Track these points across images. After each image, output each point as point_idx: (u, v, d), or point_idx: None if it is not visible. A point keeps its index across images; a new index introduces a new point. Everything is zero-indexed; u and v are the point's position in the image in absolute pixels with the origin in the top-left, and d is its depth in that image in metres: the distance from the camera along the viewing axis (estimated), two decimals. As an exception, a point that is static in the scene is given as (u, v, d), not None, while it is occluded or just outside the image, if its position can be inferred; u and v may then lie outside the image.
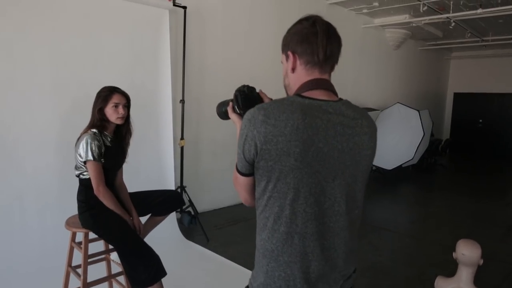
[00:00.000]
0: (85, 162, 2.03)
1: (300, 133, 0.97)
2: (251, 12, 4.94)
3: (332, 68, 1.11)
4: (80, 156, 2.03)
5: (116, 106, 2.11)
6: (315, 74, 1.07)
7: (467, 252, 2.25)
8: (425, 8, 5.91)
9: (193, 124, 4.37)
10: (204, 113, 4.47)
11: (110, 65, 3.38)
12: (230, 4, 4.66)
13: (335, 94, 1.09)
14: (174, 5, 3.80)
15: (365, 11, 6.55)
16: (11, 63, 2.84)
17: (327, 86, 1.08)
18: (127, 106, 2.19)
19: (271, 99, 1.22)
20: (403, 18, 6.75)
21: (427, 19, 6.57)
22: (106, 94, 2.12)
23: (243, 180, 1.10)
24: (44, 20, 2.98)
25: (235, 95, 1.23)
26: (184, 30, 4.02)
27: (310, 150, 0.98)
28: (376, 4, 6.14)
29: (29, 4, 2.89)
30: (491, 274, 3.15)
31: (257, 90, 1.26)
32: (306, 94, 1.05)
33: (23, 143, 2.90)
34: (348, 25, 6.64)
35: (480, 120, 10.54)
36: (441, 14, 6.21)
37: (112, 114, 2.11)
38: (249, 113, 1.03)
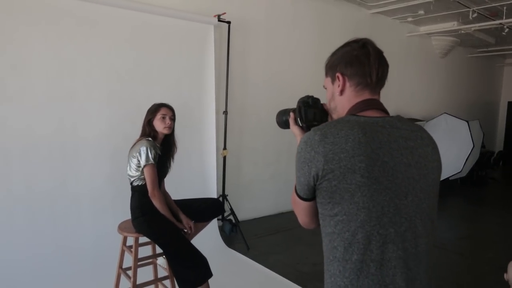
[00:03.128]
0: (143, 167, 2.18)
1: (363, 147, 0.91)
2: (293, 25, 5.01)
3: (380, 89, 1.08)
4: (138, 161, 2.19)
5: (163, 117, 2.29)
6: (366, 95, 1.04)
7: (519, 274, 2.13)
8: (475, 14, 5.67)
9: (235, 134, 4.49)
10: (246, 124, 4.59)
11: (159, 79, 3.59)
12: (272, 18, 4.77)
13: (387, 113, 1.06)
14: (219, 20, 3.96)
15: (410, 19, 6.39)
16: (72, 78, 3.12)
17: (379, 106, 1.04)
18: (173, 119, 2.36)
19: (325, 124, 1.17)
20: (451, 25, 6.50)
21: (477, 26, 6.29)
22: (155, 107, 2.34)
23: (303, 205, 1.04)
24: (101, 39, 3.24)
25: (299, 107, 1.17)
26: (228, 44, 4.17)
27: (376, 165, 0.91)
28: (421, 12, 5.97)
29: (88, 25, 3.17)
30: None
31: (321, 102, 1.19)
32: (359, 114, 1.01)
33: (81, 151, 3.15)
34: (392, 34, 6.51)
35: (538, 131, 9.83)
36: (493, 20, 5.93)
37: (160, 124, 2.29)
38: (305, 136, 0.99)
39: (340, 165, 0.91)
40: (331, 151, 0.92)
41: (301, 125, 1.17)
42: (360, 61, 1.02)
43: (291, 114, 1.19)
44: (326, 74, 1.12)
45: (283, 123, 1.24)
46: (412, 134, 1.00)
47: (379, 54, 1.04)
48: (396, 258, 0.92)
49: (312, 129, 0.99)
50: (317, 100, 1.18)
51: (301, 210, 1.06)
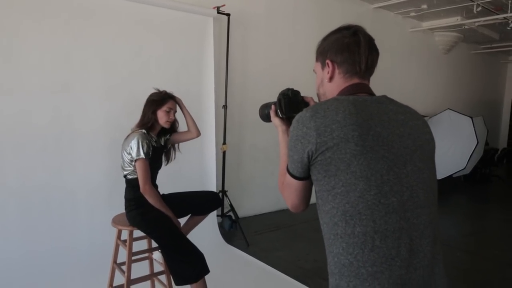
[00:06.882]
0: (135, 161, 2.10)
1: (354, 117, 0.91)
2: (293, 19, 4.93)
3: (369, 77, 1.09)
4: (130, 154, 2.10)
5: (168, 111, 2.22)
6: (355, 81, 1.05)
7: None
8: (479, 8, 5.57)
9: (235, 129, 4.41)
10: (246, 118, 4.50)
11: (157, 72, 3.52)
12: (272, 11, 4.69)
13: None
14: (218, 12, 3.89)
15: (412, 14, 6.30)
16: (68, 70, 3.04)
17: (367, 90, 1.05)
18: (175, 111, 2.31)
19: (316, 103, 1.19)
20: (455, 20, 6.41)
21: (481, 20, 6.20)
22: (163, 98, 2.25)
23: (295, 185, 1.03)
24: (97, 31, 3.16)
25: (279, 99, 1.21)
26: (228, 37, 4.09)
27: (370, 134, 0.91)
28: (424, 6, 5.89)
29: (85, 16, 3.10)
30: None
31: (302, 94, 1.23)
32: (348, 95, 1.03)
33: (76, 143, 3.08)
34: (395, 29, 6.42)
35: (542, 129, 9.72)
36: (498, 14, 5.83)
37: (163, 117, 2.22)
38: (297, 116, 1.00)
39: (332, 136, 0.90)
40: (322, 124, 0.92)
41: (281, 116, 1.20)
42: (350, 49, 1.03)
43: (272, 106, 1.22)
44: (317, 59, 1.13)
45: (265, 116, 1.28)
46: (400, 109, 1.01)
47: (370, 42, 1.04)
48: (399, 229, 0.89)
49: (304, 109, 1.01)
50: (297, 92, 1.22)
51: (292, 191, 1.04)
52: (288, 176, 1.03)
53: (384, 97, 1.04)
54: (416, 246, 0.90)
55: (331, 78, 1.07)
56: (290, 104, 1.19)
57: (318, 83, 1.13)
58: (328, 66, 1.06)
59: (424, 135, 1.00)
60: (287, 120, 1.19)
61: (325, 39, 1.10)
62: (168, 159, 2.40)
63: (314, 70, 1.15)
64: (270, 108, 1.24)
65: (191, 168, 3.76)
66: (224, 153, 4.12)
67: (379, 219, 0.87)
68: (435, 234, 0.96)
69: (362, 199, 0.88)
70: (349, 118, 0.91)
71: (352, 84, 1.04)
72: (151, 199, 2.12)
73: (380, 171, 0.89)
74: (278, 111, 1.20)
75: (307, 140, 0.93)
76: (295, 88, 1.23)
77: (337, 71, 1.06)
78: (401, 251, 0.88)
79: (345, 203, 0.89)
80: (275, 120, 1.21)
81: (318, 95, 1.16)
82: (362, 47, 1.02)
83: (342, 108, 0.93)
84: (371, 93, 1.05)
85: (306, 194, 1.05)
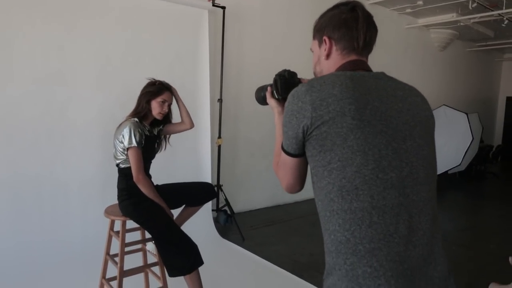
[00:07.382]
0: (127, 149, 2.06)
1: (351, 91, 0.88)
2: (289, 12, 4.91)
3: (368, 54, 1.06)
4: (122, 143, 2.06)
5: (163, 102, 2.18)
6: (352, 57, 1.02)
7: (526, 257, 2.04)
8: (475, 5, 5.58)
9: (230, 123, 4.38)
10: (241, 112, 4.48)
11: (151, 64, 3.47)
12: (268, 5, 4.67)
13: None
14: (213, 5, 3.85)
15: (408, 10, 6.31)
16: (60, 61, 3.00)
17: (366, 67, 1.02)
18: (171, 103, 2.27)
19: (312, 78, 1.16)
20: (450, 17, 6.42)
21: (476, 17, 6.21)
22: (159, 89, 2.19)
23: (290, 163, 1.00)
24: (91, 22, 3.12)
25: (275, 80, 1.18)
26: (223, 30, 4.06)
27: (367, 108, 0.87)
28: (420, 2, 5.89)
29: (78, 7, 3.05)
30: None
31: (298, 76, 1.20)
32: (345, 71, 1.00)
33: (69, 135, 3.04)
34: (390, 25, 6.42)
35: (537, 127, 9.77)
36: (492, 11, 5.84)
37: (157, 108, 2.18)
38: (292, 90, 0.97)
39: (328, 109, 0.87)
40: (318, 98, 0.89)
41: (277, 97, 1.18)
42: (348, 25, 1.00)
43: (268, 88, 1.21)
44: (314, 37, 1.09)
45: (261, 98, 1.25)
46: (399, 85, 0.99)
47: (368, 18, 1.02)
48: (398, 205, 0.86)
49: (300, 84, 0.98)
50: (294, 74, 1.19)
51: (287, 170, 1.02)
52: (283, 154, 1.01)
53: (382, 73, 1.00)
54: (415, 223, 0.87)
55: (328, 55, 1.04)
56: (286, 85, 1.16)
57: (315, 61, 1.10)
58: (325, 43, 1.03)
59: (424, 111, 0.98)
60: (283, 101, 1.15)
61: (322, 16, 1.07)
62: (158, 149, 2.36)
63: (311, 49, 1.11)
64: (266, 90, 1.22)
65: (186, 163, 3.72)
66: (219, 147, 4.09)
67: (377, 194, 0.84)
68: (434, 212, 0.93)
69: (359, 174, 0.85)
70: (345, 91, 0.88)
71: (349, 61, 1.01)
72: (144, 189, 2.09)
73: (378, 146, 0.86)
74: (274, 92, 1.19)
75: (302, 114, 0.90)
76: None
77: (334, 47, 1.03)
78: (399, 227, 0.85)
79: (342, 178, 0.86)
80: (271, 102, 1.19)
81: (315, 74, 1.13)
82: (360, 22, 0.99)
83: (339, 82, 0.90)
84: (369, 70, 1.03)
85: (302, 173, 1.02)
